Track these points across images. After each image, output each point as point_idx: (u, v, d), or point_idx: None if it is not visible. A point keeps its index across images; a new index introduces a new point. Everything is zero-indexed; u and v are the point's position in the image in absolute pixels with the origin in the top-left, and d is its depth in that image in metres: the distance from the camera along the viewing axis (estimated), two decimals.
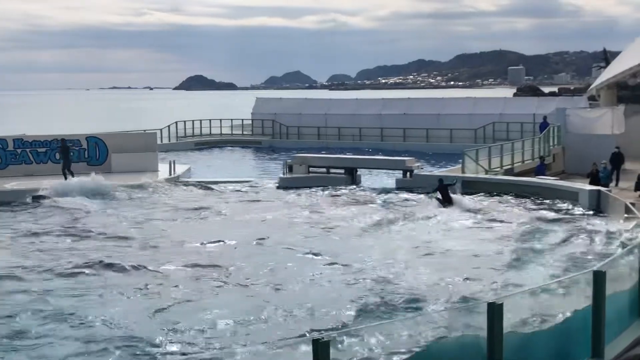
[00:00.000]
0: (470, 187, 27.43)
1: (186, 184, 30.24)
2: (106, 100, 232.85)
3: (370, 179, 32.44)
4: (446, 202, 25.38)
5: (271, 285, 15.94)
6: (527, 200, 25.41)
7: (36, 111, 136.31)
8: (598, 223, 21.13)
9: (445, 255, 18.51)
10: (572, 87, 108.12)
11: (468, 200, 25.63)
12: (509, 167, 30.64)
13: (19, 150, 31.46)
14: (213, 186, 29.95)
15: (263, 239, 20.62)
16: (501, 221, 22.49)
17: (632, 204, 18.86)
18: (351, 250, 19.05)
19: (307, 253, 18.95)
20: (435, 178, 27.26)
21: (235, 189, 29.68)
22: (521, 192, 26.21)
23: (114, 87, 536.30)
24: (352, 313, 13.66)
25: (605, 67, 54.35)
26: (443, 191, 25.66)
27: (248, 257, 18.51)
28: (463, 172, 28.76)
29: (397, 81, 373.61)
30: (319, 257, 18.45)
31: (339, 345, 7.92)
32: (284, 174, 32.06)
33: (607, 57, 69.60)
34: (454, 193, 25.89)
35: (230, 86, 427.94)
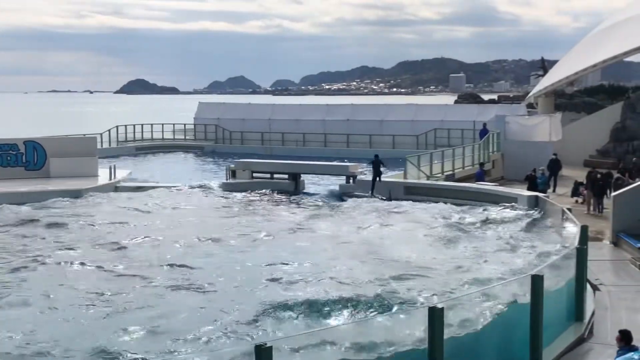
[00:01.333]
0: (412, 192, 27.74)
1: (126, 188, 29.76)
2: (45, 104, 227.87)
3: (314, 184, 32.49)
4: (377, 176, 28.43)
5: (208, 290, 15.83)
6: (467, 205, 25.74)
7: None
8: (535, 228, 21.54)
9: (383, 258, 18.65)
10: (511, 95, 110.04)
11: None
12: (450, 173, 31.05)
13: None
14: (153, 191, 29.56)
15: (208, 239, 20.55)
16: (441, 225, 22.75)
17: (569, 210, 19.27)
18: (292, 254, 19.05)
19: (246, 258, 18.89)
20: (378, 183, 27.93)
21: (176, 194, 29.33)
22: (462, 197, 26.58)
23: (54, 91, 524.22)
24: (292, 319, 13.64)
25: (543, 76, 55.59)
26: (376, 166, 28.47)
27: (184, 261, 18.31)
28: (405, 177, 29.05)
29: (341, 87, 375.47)
30: (258, 262, 18.40)
31: (279, 353, 7.87)
32: (227, 179, 31.86)
33: (545, 66, 71.28)
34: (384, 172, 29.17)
35: (172, 90, 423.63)
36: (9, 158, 31.16)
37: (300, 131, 50.12)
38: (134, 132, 52.54)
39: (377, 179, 28.65)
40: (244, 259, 18.80)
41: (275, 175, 31.66)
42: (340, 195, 29.05)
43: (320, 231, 22.43)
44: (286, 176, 31.41)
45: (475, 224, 22.69)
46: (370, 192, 28.31)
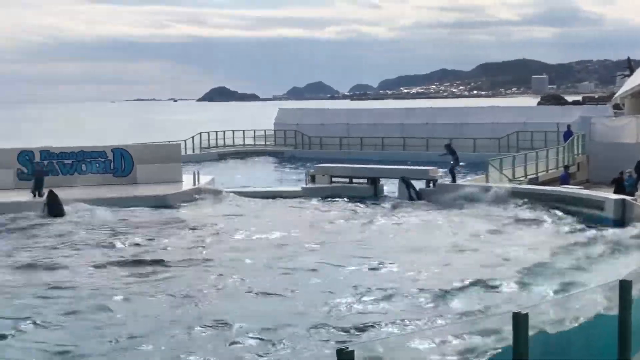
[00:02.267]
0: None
1: (209, 193, 30.38)
2: (131, 112, 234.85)
3: (394, 188, 32.38)
4: (454, 159, 29.57)
5: (293, 292, 16.02)
6: (553, 209, 25.23)
7: (61, 123, 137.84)
8: (624, 232, 20.95)
9: (469, 261, 18.50)
10: (596, 96, 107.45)
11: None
12: (534, 176, 30.49)
13: (45, 162, 31.82)
14: (237, 196, 30.10)
15: (293, 243, 20.78)
16: (527, 228, 22.43)
17: None
18: (377, 258, 19.10)
19: (329, 259, 19.04)
20: (458, 187, 27.90)
21: (258, 198, 29.80)
22: (546, 201, 26.06)
23: (139, 99, 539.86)
24: (375, 321, 13.67)
25: (629, 76, 53.93)
26: (452, 153, 29.69)
27: (269, 266, 18.59)
28: (487, 181, 28.67)
29: (420, 91, 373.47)
30: (342, 264, 18.53)
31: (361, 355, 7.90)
32: (306, 183, 32.16)
33: (631, 66, 69.10)
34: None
35: (252, 97, 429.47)
36: (97, 165, 32.28)
37: (378, 135, 50.11)
38: (217, 139, 53.66)
39: (456, 168, 29.54)
40: (329, 262, 18.93)
41: (354, 180, 31.76)
42: (421, 199, 28.84)
43: (403, 235, 22.40)
44: (365, 180, 31.46)
45: (568, 227, 22.29)
46: (452, 180, 29.22)
